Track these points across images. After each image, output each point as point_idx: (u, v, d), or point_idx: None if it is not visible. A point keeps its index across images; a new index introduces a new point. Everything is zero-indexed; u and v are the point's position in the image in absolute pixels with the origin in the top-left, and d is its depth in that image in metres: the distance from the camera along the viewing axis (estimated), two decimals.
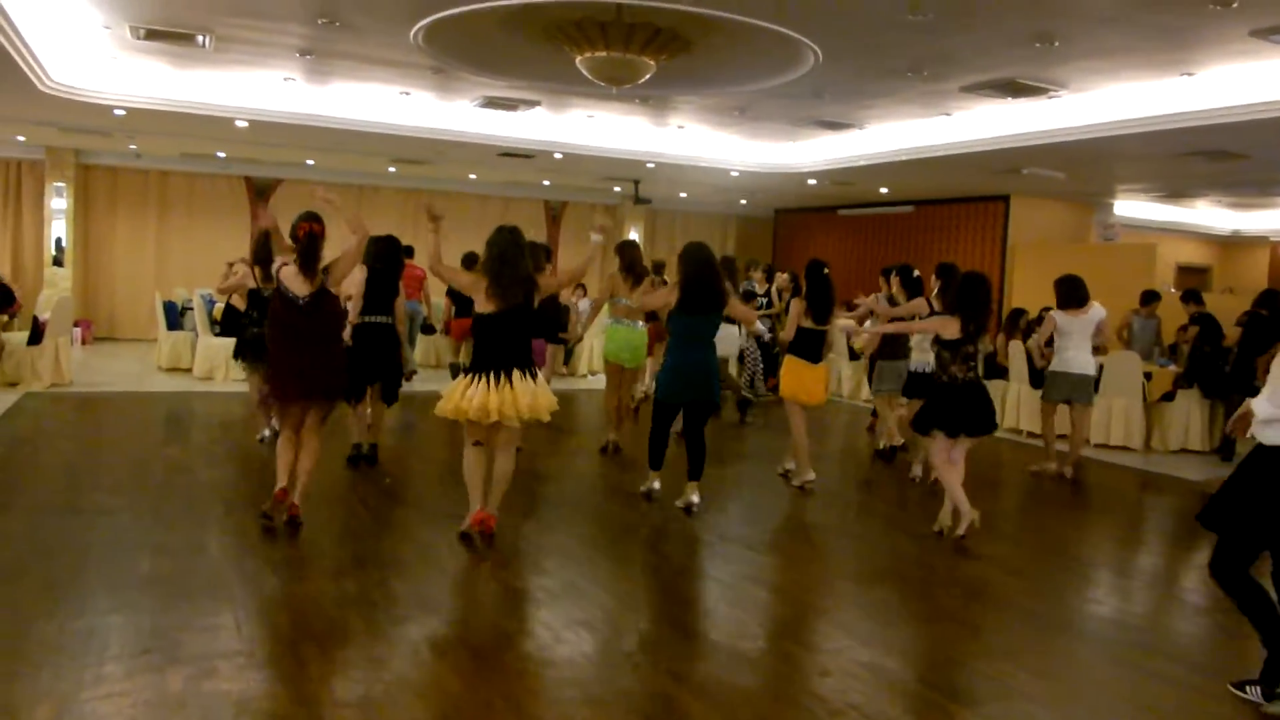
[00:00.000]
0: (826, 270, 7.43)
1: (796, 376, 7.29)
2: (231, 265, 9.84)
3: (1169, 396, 10.03)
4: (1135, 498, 8.30)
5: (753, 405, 10.73)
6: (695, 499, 6.42)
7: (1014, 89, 8.89)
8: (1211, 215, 17.79)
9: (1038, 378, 9.93)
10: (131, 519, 5.69)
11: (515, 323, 5.39)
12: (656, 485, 6.70)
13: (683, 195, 18.27)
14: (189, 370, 11.94)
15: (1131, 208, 16.38)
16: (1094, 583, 5.67)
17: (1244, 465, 3.85)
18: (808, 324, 7.26)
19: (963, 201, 15.78)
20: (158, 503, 6.10)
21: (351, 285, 6.70)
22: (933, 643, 4.50)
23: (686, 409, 6.53)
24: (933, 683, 3.99)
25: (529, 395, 5.30)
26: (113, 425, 9.09)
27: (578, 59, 7.59)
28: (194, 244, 16.00)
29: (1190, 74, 8.14)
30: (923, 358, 7.44)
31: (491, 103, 11.01)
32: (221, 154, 14.98)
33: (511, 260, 5.36)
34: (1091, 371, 8.30)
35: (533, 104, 11.13)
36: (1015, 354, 10.46)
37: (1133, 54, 7.67)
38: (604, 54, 7.40)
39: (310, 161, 15.66)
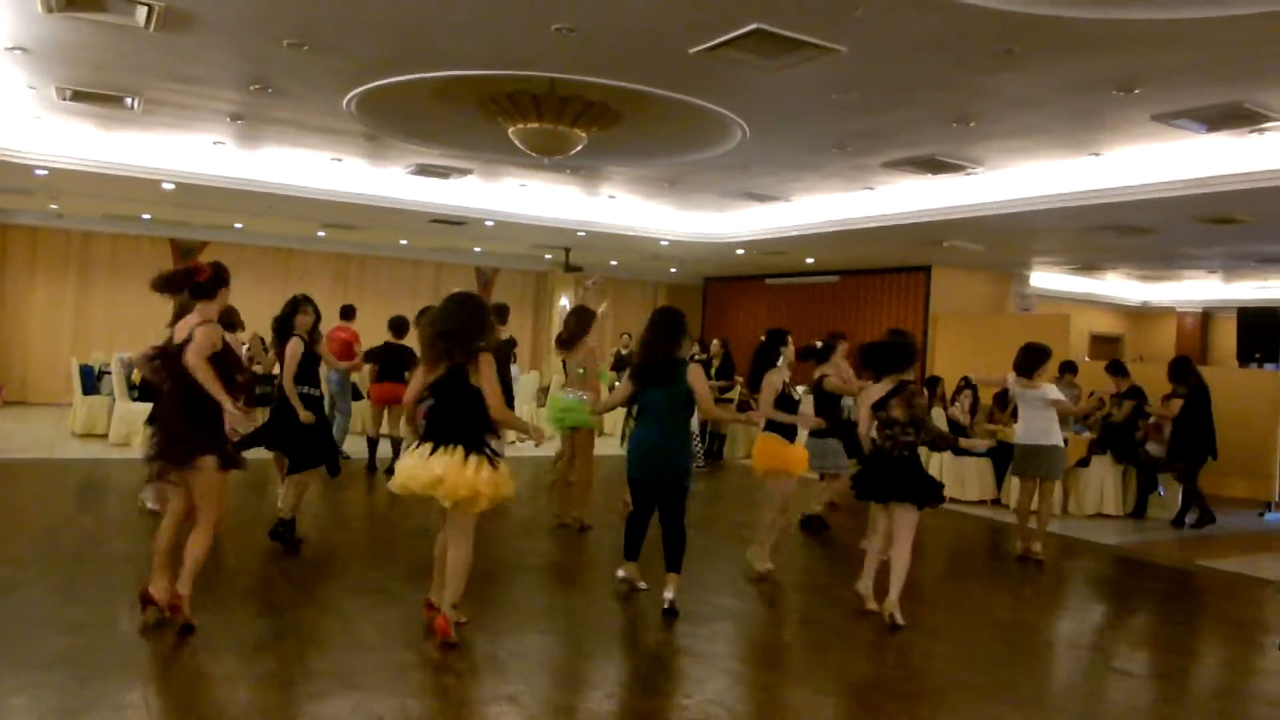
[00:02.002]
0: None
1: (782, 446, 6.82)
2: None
3: (1084, 463, 10.30)
4: (1054, 562, 8.45)
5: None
6: (668, 594, 5.72)
7: (933, 166, 9.22)
8: (1122, 287, 18.48)
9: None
10: (40, 594, 5.48)
11: (442, 391, 4.95)
12: (621, 574, 6.16)
13: (613, 263, 18.44)
14: (105, 436, 11.61)
15: (1047, 279, 16.94)
16: (1020, 650, 5.75)
17: None
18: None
19: (886, 272, 16.17)
20: (69, 576, 5.89)
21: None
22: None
23: (647, 488, 5.89)
24: None
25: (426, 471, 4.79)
26: (22, 494, 8.77)
27: (510, 130, 7.69)
28: (115, 306, 15.68)
29: (1098, 154, 8.52)
30: None
31: (424, 170, 11.07)
32: (146, 215, 14.77)
33: (440, 323, 4.96)
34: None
35: (465, 172, 11.21)
36: (936, 420, 10.64)
37: (1044, 135, 8.02)
38: (536, 125, 7.52)
39: (238, 225, 15.51)
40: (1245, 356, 13.90)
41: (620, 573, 6.16)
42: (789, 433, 6.85)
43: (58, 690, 4.07)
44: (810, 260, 15.99)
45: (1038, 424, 7.85)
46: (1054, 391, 7.97)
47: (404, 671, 4.56)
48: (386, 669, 4.58)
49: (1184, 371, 10.15)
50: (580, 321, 7.97)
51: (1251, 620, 6.89)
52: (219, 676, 4.41)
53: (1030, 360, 7.80)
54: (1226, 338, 17.67)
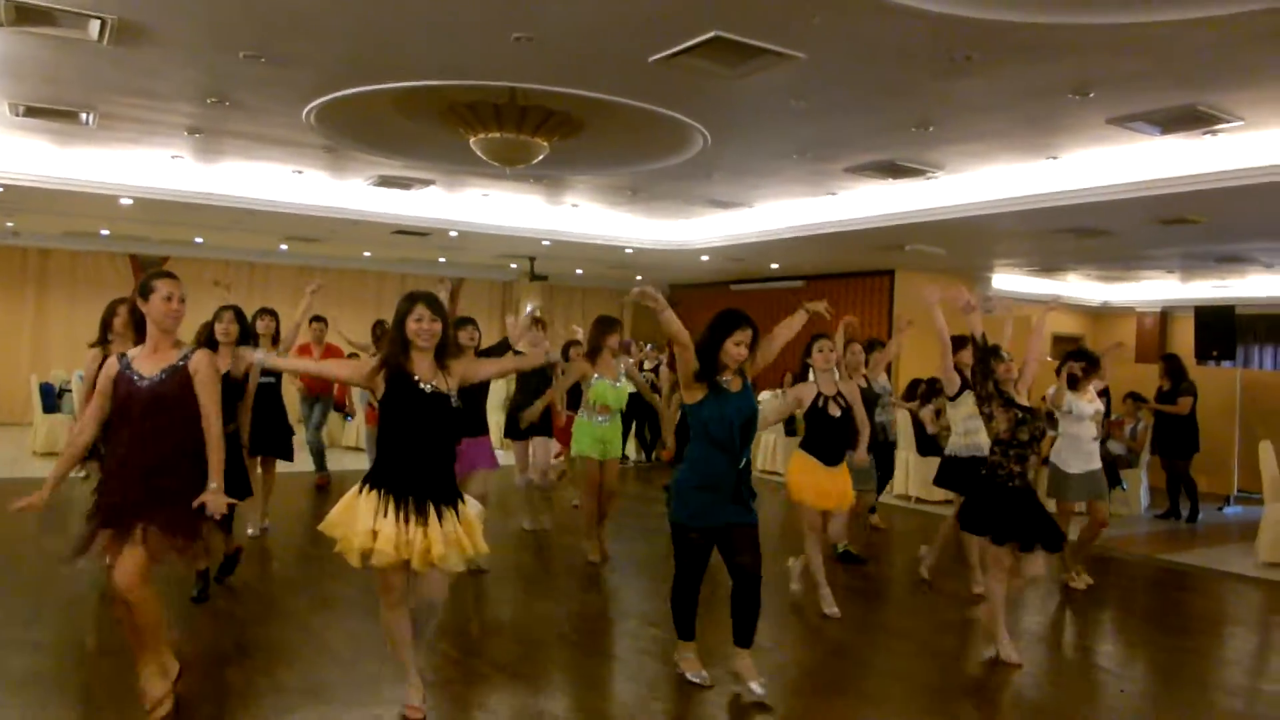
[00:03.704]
0: None
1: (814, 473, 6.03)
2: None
3: (1047, 460, 10.40)
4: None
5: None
6: (756, 686, 4.50)
7: (894, 170, 9.30)
8: (1082, 288, 18.71)
9: (925, 445, 10.26)
10: (2, 614, 5.39)
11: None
12: (696, 672, 4.72)
13: (579, 271, 18.44)
14: None
15: (1009, 281, 17.12)
16: (977, 642, 5.81)
17: None
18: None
19: (850, 276, 16.30)
20: (32, 596, 5.81)
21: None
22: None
23: (719, 538, 4.57)
24: None
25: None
26: None
27: (471, 140, 7.68)
28: (75, 323, 15.41)
29: (1055, 157, 8.63)
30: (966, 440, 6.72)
31: (385, 181, 11.02)
32: (105, 231, 14.60)
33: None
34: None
35: (427, 183, 11.17)
36: (903, 422, 10.71)
37: (1002, 139, 8.11)
38: (497, 135, 7.51)
39: (199, 239, 15.36)
40: (1203, 354, 14.11)
41: (694, 674, 4.72)
42: (828, 455, 6.00)
43: (21, 711, 4.02)
44: (775, 266, 16.08)
45: (1087, 445, 7.12)
46: (1095, 401, 7.25)
47: (374, 684, 4.52)
48: (356, 681, 4.55)
49: (1182, 369, 10.53)
50: (599, 330, 7.19)
51: (1212, 612, 7.00)
52: (184, 693, 4.35)
53: (1087, 370, 7.12)
54: (1185, 336, 17.92)
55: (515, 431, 8.11)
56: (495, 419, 13.67)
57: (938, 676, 5.11)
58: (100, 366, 4.12)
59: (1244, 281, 15.94)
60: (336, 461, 11.00)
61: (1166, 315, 19.59)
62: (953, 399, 6.77)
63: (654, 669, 5.02)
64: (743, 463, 4.53)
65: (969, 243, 12.43)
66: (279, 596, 6.12)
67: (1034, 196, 9.42)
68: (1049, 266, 15.86)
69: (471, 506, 4.04)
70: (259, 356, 4.20)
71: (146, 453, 3.84)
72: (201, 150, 9.66)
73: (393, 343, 3.97)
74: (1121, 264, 15.12)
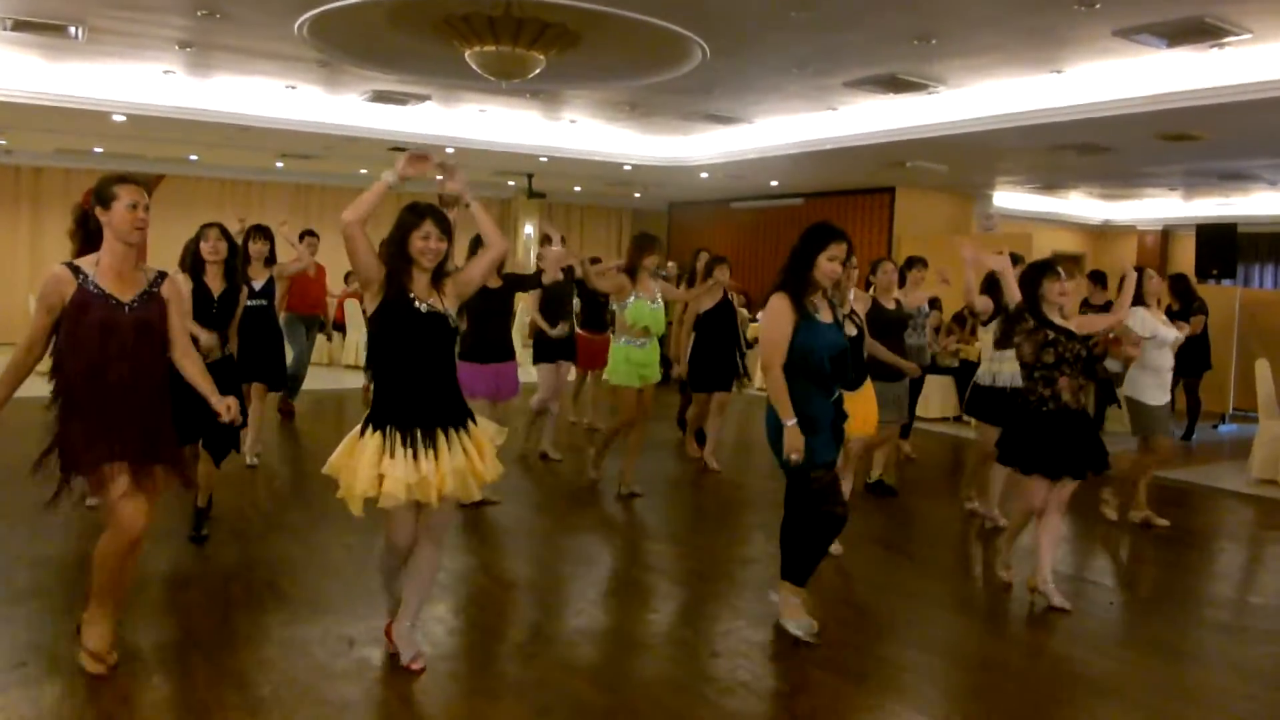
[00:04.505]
0: None
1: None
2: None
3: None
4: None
5: None
6: (797, 627, 4.25)
7: (895, 85, 9.16)
8: (1083, 206, 18.57)
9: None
10: (6, 530, 5.47)
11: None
12: (799, 622, 4.27)
13: (577, 189, 18.28)
14: None
15: (1010, 199, 16.98)
16: (976, 560, 5.91)
17: None
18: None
19: (850, 194, 16.14)
20: (35, 514, 5.85)
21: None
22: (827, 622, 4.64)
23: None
24: (826, 661, 4.11)
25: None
26: None
27: (467, 53, 7.56)
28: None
29: (1059, 71, 8.50)
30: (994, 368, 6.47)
31: (381, 97, 10.87)
32: (99, 149, 14.45)
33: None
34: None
35: (423, 98, 11.02)
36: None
37: (1006, 52, 7.98)
38: (493, 48, 7.39)
39: (194, 156, 15.19)
40: (1203, 273, 14.07)
41: (797, 624, 4.28)
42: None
43: (27, 624, 4.11)
44: (774, 183, 15.93)
45: (1166, 375, 6.52)
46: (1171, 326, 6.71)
47: (374, 596, 4.57)
48: (357, 594, 4.64)
49: (1191, 289, 10.48)
50: (638, 249, 6.70)
51: (1204, 527, 7.10)
52: (188, 606, 4.45)
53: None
54: (1186, 254, 17.85)
55: (544, 356, 8.09)
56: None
57: (929, 590, 5.20)
58: None
59: (1247, 199, 15.81)
60: (335, 380, 11.06)
61: (1168, 233, 19.48)
62: (985, 324, 6.73)
63: (652, 583, 5.12)
64: (835, 395, 4.22)
65: (970, 159, 12.31)
66: (281, 514, 6.19)
67: (1037, 111, 9.30)
68: (1051, 184, 15.74)
69: (488, 427, 3.80)
70: (390, 177, 3.83)
71: (143, 386, 3.61)
72: (193, 65, 9.51)
73: (393, 257, 3.63)
74: (1124, 181, 15.00)
